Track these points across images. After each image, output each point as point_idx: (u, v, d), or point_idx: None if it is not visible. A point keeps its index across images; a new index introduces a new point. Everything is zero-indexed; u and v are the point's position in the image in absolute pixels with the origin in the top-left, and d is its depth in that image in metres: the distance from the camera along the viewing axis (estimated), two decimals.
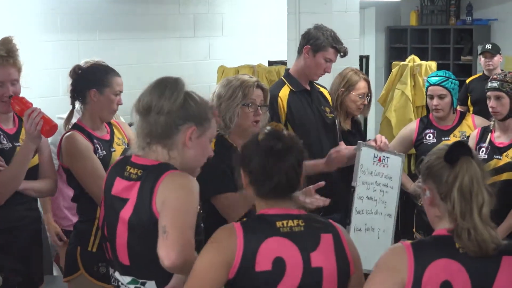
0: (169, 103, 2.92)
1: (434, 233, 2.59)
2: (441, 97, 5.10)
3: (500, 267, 2.49)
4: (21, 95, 3.99)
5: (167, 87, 2.96)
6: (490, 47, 7.89)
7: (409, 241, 2.55)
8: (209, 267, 2.62)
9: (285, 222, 2.68)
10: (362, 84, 5.18)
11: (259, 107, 4.05)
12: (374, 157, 4.61)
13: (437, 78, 5.17)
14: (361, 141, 4.56)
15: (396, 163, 4.75)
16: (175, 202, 2.81)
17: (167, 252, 2.72)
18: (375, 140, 4.54)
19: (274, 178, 2.71)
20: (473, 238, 2.46)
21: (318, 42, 4.77)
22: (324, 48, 4.77)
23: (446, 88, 5.11)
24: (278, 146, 2.73)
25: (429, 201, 2.59)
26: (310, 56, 4.79)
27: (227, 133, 4.00)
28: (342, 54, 4.86)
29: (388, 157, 4.69)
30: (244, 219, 2.88)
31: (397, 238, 7.15)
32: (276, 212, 2.71)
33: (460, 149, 2.55)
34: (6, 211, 3.91)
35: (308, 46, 4.79)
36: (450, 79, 5.16)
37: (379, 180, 4.66)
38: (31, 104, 3.92)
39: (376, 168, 4.64)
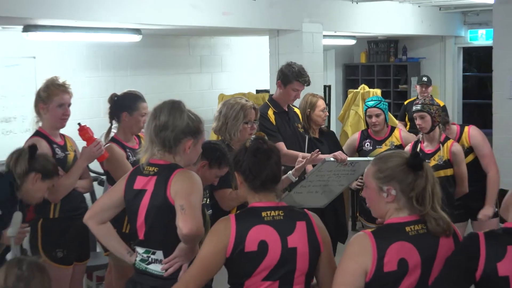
0: (178, 121, 2.86)
1: (388, 221, 2.41)
2: (377, 115, 5.04)
3: (440, 241, 2.40)
4: (83, 123, 3.95)
5: (177, 110, 2.89)
6: (426, 80, 7.54)
7: (369, 230, 2.39)
8: (209, 253, 2.54)
9: (268, 212, 2.56)
10: (320, 102, 5.11)
11: (253, 123, 4.04)
12: (338, 163, 4.34)
13: (373, 102, 5.11)
14: (325, 158, 4.32)
15: (363, 165, 4.44)
16: (187, 189, 2.75)
17: (185, 222, 2.66)
18: (335, 157, 4.32)
19: (263, 173, 2.60)
20: (439, 224, 2.37)
21: (286, 78, 4.70)
22: (290, 82, 4.69)
23: (380, 108, 5.06)
24: (264, 147, 2.66)
25: (392, 198, 2.39)
26: (281, 88, 4.76)
27: (230, 142, 3.96)
28: (306, 84, 4.78)
29: (356, 162, 4.47)
30: (238, 211, 2.78)
31: (354, 218, 7.12)
32: (262, 205, 2.59)
33: (420, 158, 2.41)
34: (67, 203, 3.90)
35: (279, 81, 4.75)
36: (382, 102, 5.11)
37: (338, 172, 4.41)
38: (95, 138, 3.91)
39: (341, 168, 4.37)
